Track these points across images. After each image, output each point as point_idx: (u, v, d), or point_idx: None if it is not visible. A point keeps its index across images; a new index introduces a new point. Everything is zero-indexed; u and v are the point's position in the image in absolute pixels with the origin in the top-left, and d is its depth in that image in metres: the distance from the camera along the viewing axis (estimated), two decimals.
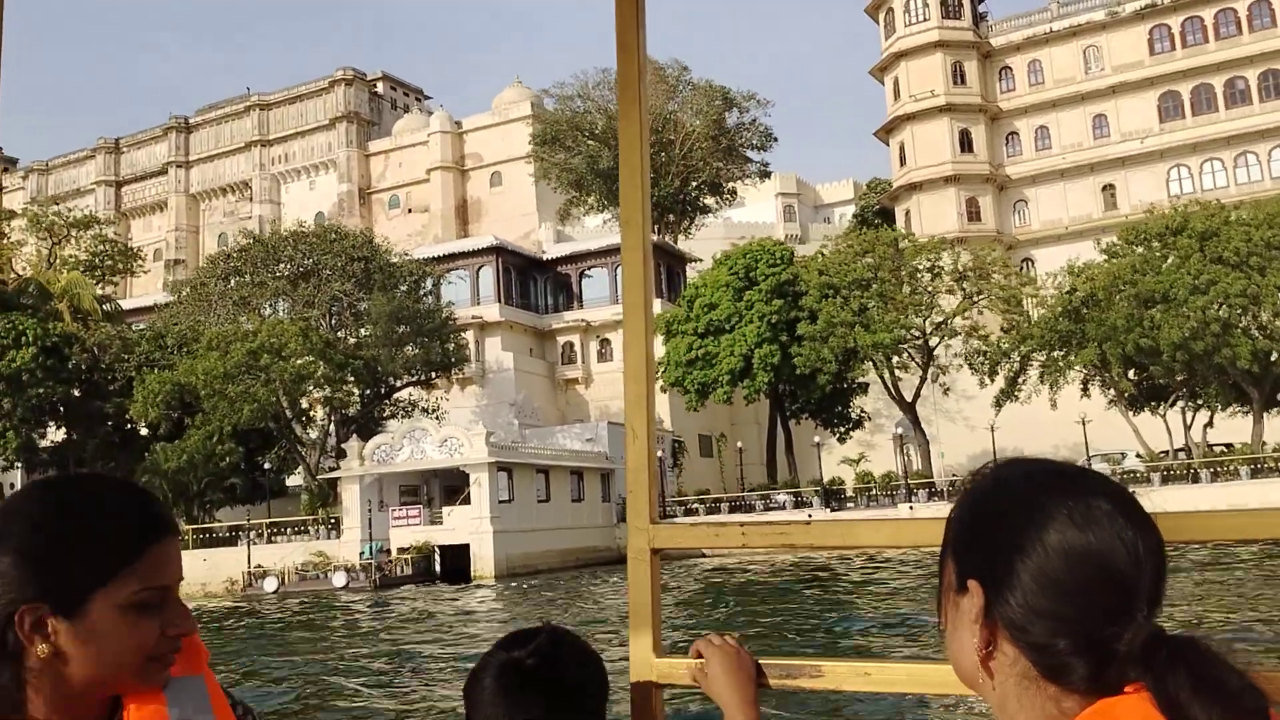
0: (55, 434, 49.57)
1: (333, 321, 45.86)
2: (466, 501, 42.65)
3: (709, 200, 70.22)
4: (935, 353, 47.53)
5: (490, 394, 57.29)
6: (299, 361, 40.87)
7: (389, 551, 42.06)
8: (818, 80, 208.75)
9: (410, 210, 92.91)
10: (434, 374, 46.96)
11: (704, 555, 49.43)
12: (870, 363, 46.19)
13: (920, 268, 46.50)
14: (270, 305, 45.73)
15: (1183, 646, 0.85)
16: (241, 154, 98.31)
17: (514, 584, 40.06)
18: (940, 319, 46.39)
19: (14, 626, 1.02)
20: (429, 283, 50.13)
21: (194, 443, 41.46)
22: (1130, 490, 0.93)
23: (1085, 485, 0.91)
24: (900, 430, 57.68)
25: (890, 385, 47.68)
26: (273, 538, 44.41)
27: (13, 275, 71.27)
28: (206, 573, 44.09)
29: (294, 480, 49.08)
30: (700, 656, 1.37)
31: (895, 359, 46.19)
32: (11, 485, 57.85)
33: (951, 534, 0.97)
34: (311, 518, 45.25)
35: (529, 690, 1.30)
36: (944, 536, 0.99)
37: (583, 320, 61.53)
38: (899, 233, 49.08)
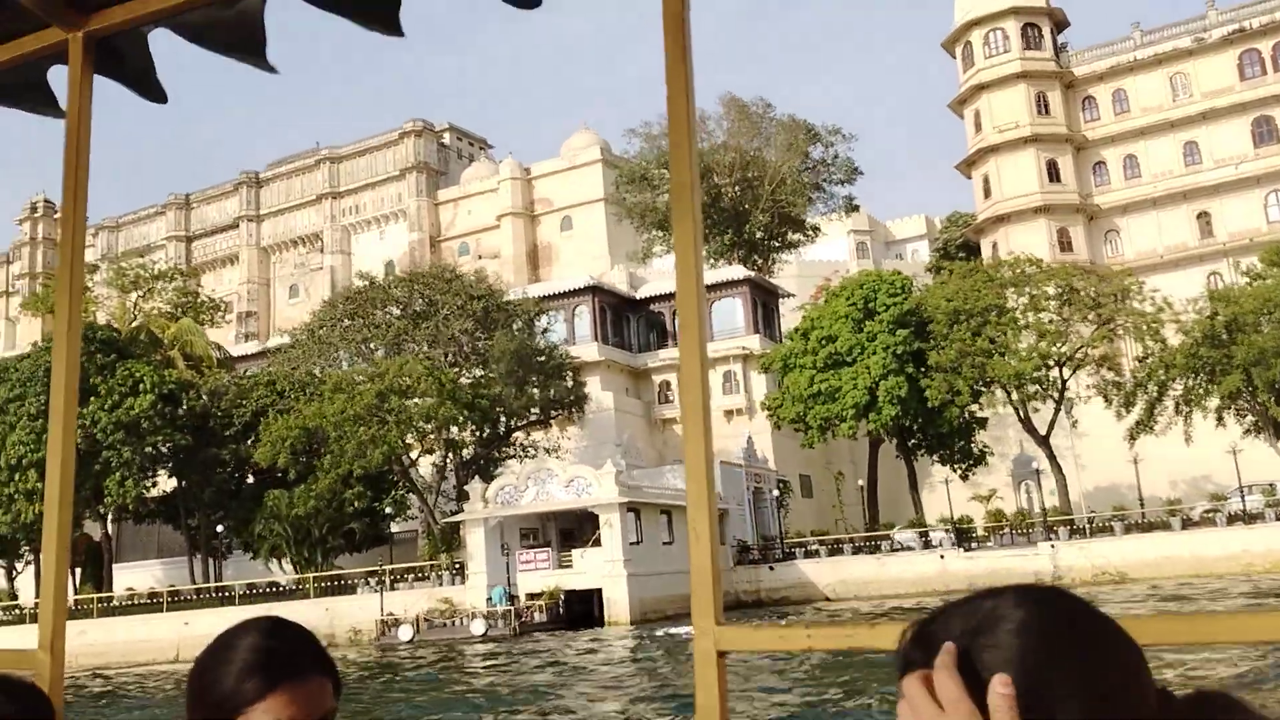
0: (165, 483, 48.97)
1: (449, 361, 45.10)
2: (596, 543, 41.44)
3: (795, 236, 69.41)
4: (1068, 384, 46.04)
5: (590, 435, 56.18)
6: (427, 402, 40.05)
7: (516, 597, 40.83)
8: (880, 116, 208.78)
9: (480, 257, 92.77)
10: (554, 414, 45.99)
11: (827, 600, 47.82)
12: (1005, 393, 44.74)
13: (1050, 294, 45.18)
14: (391, 347, 45.05)
15: (1216, 703, 0.84)
16: (312, 206, 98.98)
17: (646, 630, 38.69)
18: (1076, 347, 44.95)
19: None
20: (543, 321, 49.34)
21: (322, 487, 40.59)
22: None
23: (1089, 609, 0.88)
24: (1016, 467, 56.09)
25: (1024, 417, 46.15)
26: (394, 585, 43.29)
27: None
28: (329, 623, 42.99)
29: (399, 525, 48.11)
30: None
31: (1032, 389, 44.69)
32: (106, 536, 57.20)
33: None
34: (431, 563, 44.16)
35: None
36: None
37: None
38: (1031, 259, 47.83)
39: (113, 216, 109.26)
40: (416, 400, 40.54)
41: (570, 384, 46.63)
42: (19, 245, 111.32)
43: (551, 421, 46.84)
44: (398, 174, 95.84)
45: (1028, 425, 46.87)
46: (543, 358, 45.58)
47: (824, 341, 47.67)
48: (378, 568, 43.08)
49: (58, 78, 2.13)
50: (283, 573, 49.35)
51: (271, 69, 1.99)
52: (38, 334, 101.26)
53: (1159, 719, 0.84)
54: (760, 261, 67.04)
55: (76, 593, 51.93)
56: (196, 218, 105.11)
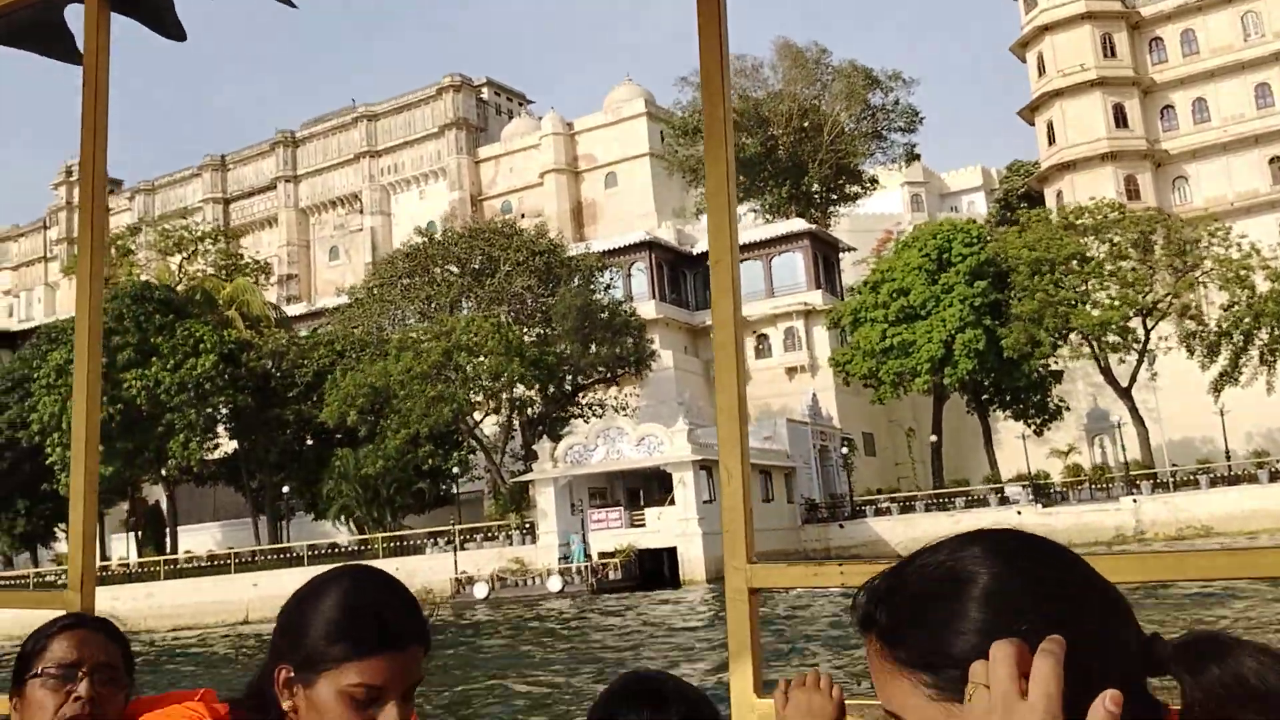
0: (225, 445, 48.37)
1: (512, 318, 43.95)
2: (667, 502, 40.48)
3: (853, 189, 67.57)
4: (1150, 334, 44.37)
5: (651, 393, 55.05)
6: (494, 360, 39.00)
7: (589, 556, 40.01)
8: (931, 64, 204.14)
9: (524, 215, 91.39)
10: (620, 372, 44.86)
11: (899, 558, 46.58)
12: (1089, 344, 43.16)
13: (1134, 240, 43.40)
14: (456, 304, 43.93)
15: (1207, 645, 0.80)
16: (350, 166, 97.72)
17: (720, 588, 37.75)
18: (1159, 297, 43.23)
19: (273, 681, 1.26)
20: (605, 277, 48.05)
21: (391, 447, 39.75)
22: None
23: (1055, 545, 0.86)
24: (1090, 421, 54.56)
25: (1105, 368, 44.59)
26: (463, 545, 42.56)
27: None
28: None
29: (460, 485, 47.29)
30: (785, 698, 1.34)
31: (1115, 340, 43.07)
32: (156, 502, 56.87)
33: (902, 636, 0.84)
34: (499, 523, 43.38)
35: None
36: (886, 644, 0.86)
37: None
38: (1113, 204, 45.97)
39: (148, 179, 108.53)
40: (483, 358, 39.48)
41: (637, 341, 45.31)
42: (55, 210, 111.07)
43: (617, 380, 45.65)
44: (437, 131, 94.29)
45: (1109, 377, 45.32)
46: (607, 314, 44.31)
47: (896, 294, 46.16)
48: (447, 527, 42.35)
49: (75, 19, 2.11)
50: (349, 533, 48.85)
51: (290, 2, 2.09)
52: (72, 297, 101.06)
53: (1146, 663, 0.81)
54: (817, 215, 65.28)
55: (139, 556, 51.71)
56: (233, 179, 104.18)
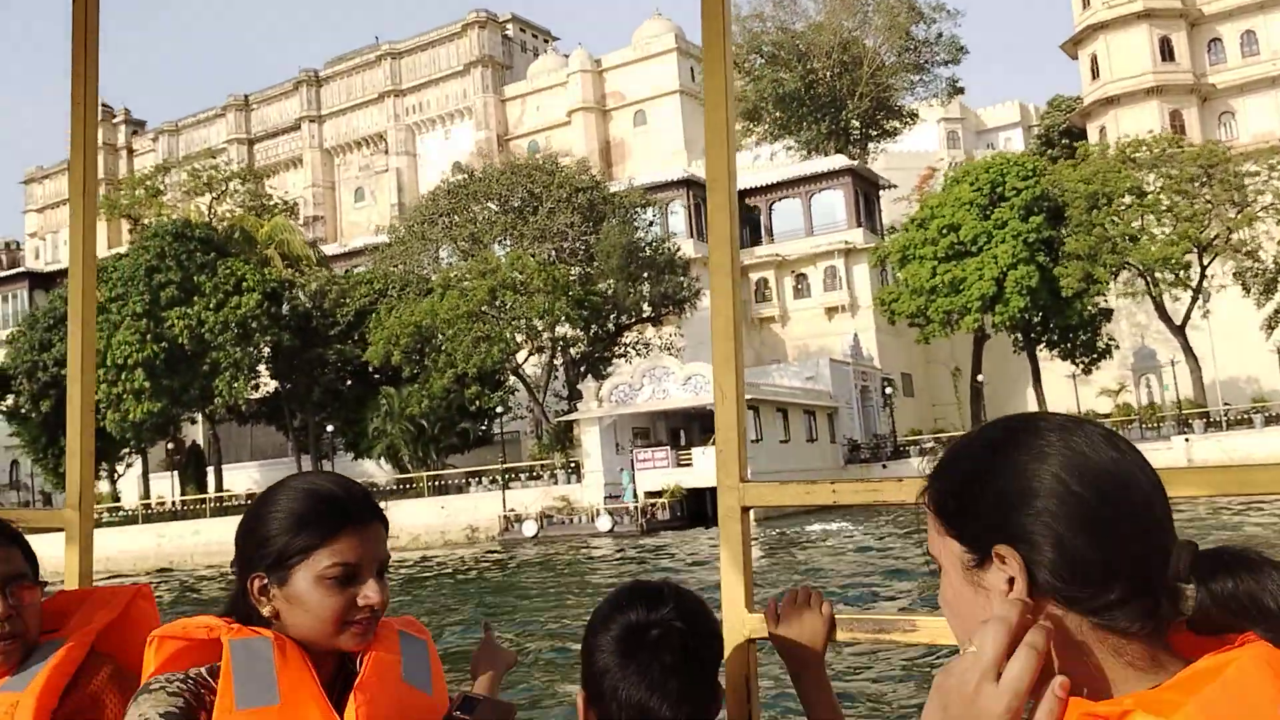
0: (266, 384, 48.21)
1: (555, 257, 43.31)
2: (709, 442, 40.15)
3: (892, 124, 66.19)
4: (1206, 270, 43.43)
5: (689, 333, 54.53)
6: (541, 298, 38.48)
7: (637, 495, 39.82)
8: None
9: (554, 155, 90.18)
10: (665, 311, 44.28)
11: None
12: (1145, 281, 42.29)
13: (1192, 174, 42.27)
14: (499, 241, 43.28)
15: (1231, 559, 0.79)
16: (374, 105, 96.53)
17: (769, 526, 37.66)
18: (1216, 233, 42.21)
19: (248, 594, 1.32)
20: (649, 214, 47.22)
21: (436, 386, 39.45)
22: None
23: (1083, 429, 0.84)
24: (1137, 360, 53.75)
25: (1159, 305, 43.75)
26: (508, 484, 42.46)
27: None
28: (445, 521, 42.43)
29: (503, 425, 47.10)
30: (777, 615, 1.41)
31: (1170, 276, 42.17)
32: (193, 441, 56.98)
33: (943, 503, 0.88)
34: (542, 462, 43.22)
35: (667, 661, 1.27)
36: (931, 508, 0.90)
37: (776, 255, 58.33)
38: (1170, 137, 44.75)
39: (171, 120, 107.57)
40: (530, 296, 38.96)
41: (682, 279, 44.64)
42: None
43: (661, 319, 45.09)
44: (462, 69, 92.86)
45: (1162, 314, 44.47)
46: (651, 252, 43.61)
47: (946, 230, 45.21)
48: (488, 466, 42.22)
49: None
50: (385, 471, 48.87)
51: None
52: (104, 241, 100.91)
53: (1177, 574, 0.80)
54: (856, 152, 64.02)
55: (181, 494, 51.96)
56: (257, 119, 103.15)
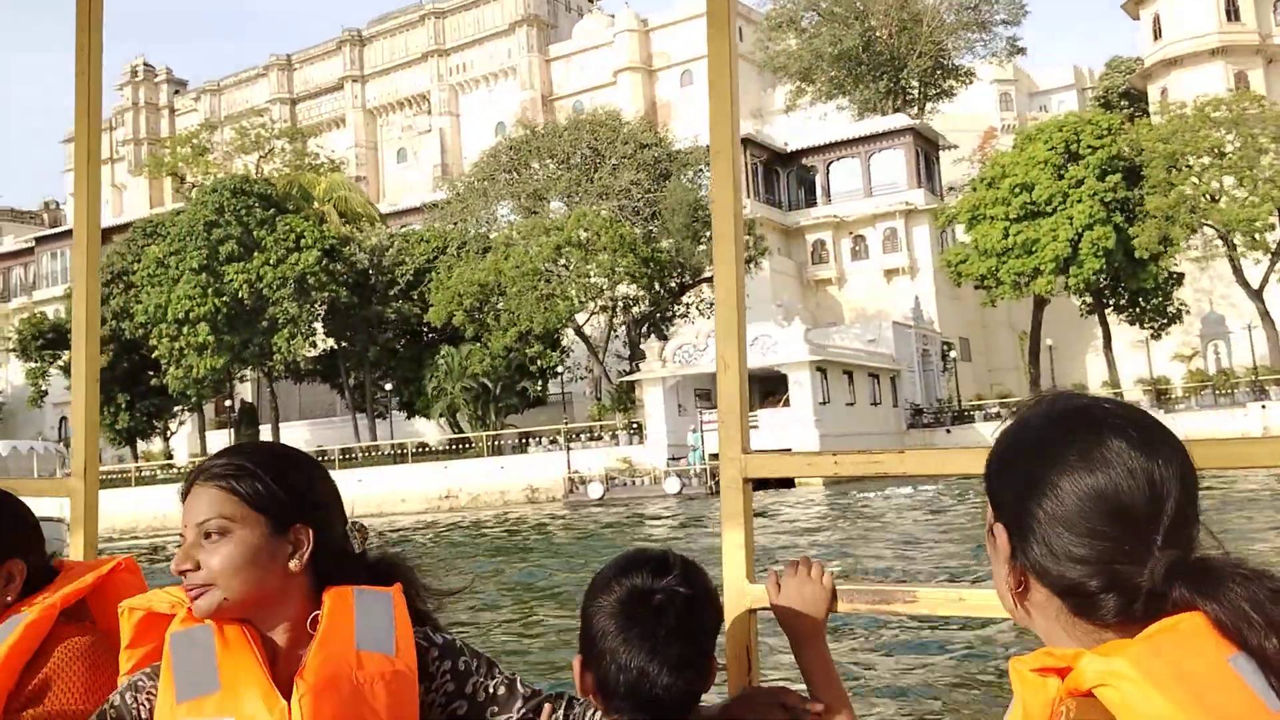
0: (321, 342, 47.90)
1: (615, 215, 42.49)
2: (784, 404, 39.49)
3: (949, 84, 64.63)
4: None
5: (751, 293, 53.69)
6: (607, 256, 37.77)
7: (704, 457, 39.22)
8: None
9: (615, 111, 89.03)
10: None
11: None
12: (1226, 243, 40.99)
13: (1273, 136, 40.78)
14: (561, 199, 42.50)
15: (1225, 574, 0.84)
16: (418, 65, 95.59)
17: (837, 490, 37.01)
18: None
19: None
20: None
21: (498, 345, 38.91)
22: (1155, 421, 0.91)
23: (1099, 423, 0.90)
24: (1205, 326, 52.39)
25: (1238, 269, 42.45)
26: (568, 444, 42.01)
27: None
28: (504, 480, 42.09)
29: (557, 385, 46.57)
30: (778, 586, 1.43)
31: (1250, 239, 40.84)
32: (243, 399, 56.89)
33: (988, 472, 0.98)
34: (602, 423, 42.72)
35: (667, 627, 1.28)
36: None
37: (833, 216, 57.23)
38: (1252, 96, 43.21)
39: (213, 79, 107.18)
40: (598, 254, 38.25)
41: (748, 238, 43.69)
42: (121, 111, 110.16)
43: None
44: (506, 28, 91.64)
45: (1240, 277, 43.16)
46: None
47: (1018, 190, 43.99)
48: (545, 427, 41.75)
49: None
50: (439, 431, 48.60)
51: None
52: (145, 200, 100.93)
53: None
54: (914, 112, 62.57)
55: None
56: (299, 79, 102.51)
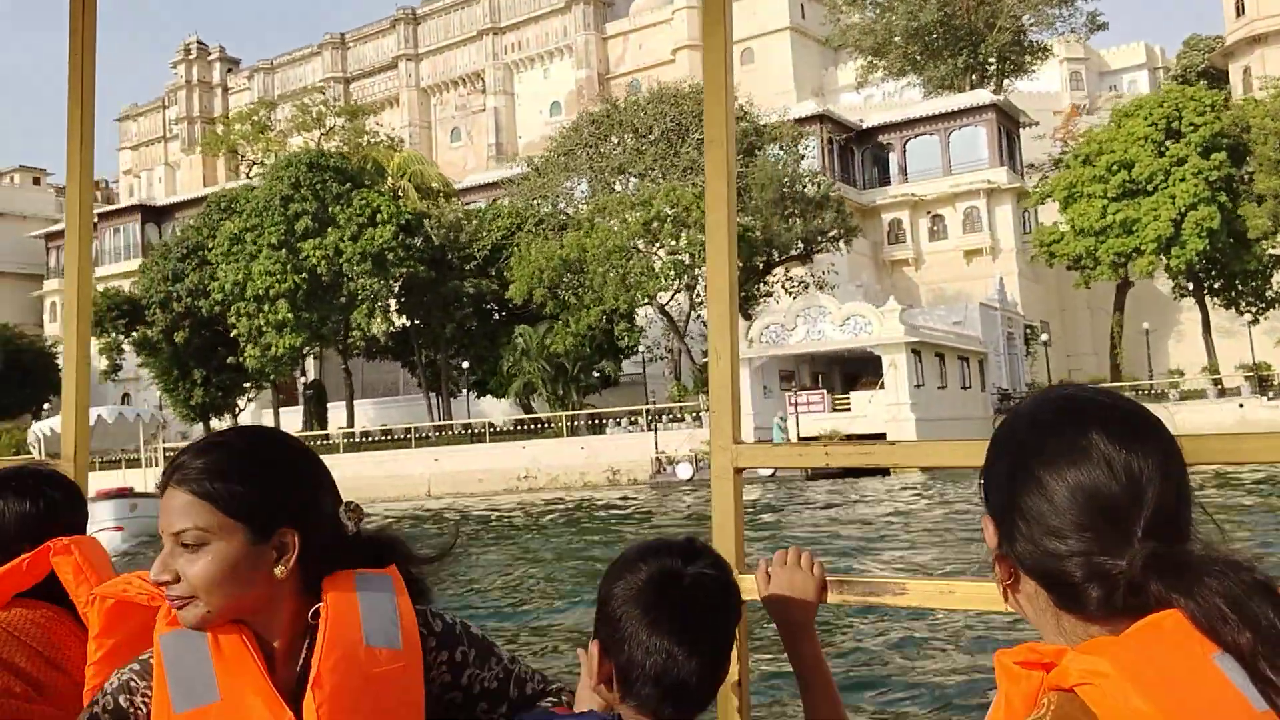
0: (395, 319, 47.21)
1: (700, 190, 41.37)
2: (880, 386, 38.33)
3: (1027, 60, 62.83)
4: None
5: (818, 276, 52.47)
6: (697, 233, 36.65)
7: (788, 439, 38.19)
8: None
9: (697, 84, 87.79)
10: (816, 248, 42.21)
11: None
12: None
13: None
14: (643, 174, 41.40)
15: (1202, 568, 0.85)
16: (473, 44, 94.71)
17: (936, 475, 35.85)
18: None
19: None
20: (800, 147, 44.97)
21: (581, 325, 38.01)
22: (1141, 412, 0.93)
23: (1081, 415, 0.91)
24: None
25: None
26: (649, 425, 41.09)
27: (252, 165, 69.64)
28: (584, 461, 41.26)
29: (631, 365, 45.61)
30: (768, 576, 1.43)
31: None
32: (346, 371, 56.37)
33: (984, 465, 1.00)
34: (684, 404, 41.73)
35: (700, 612, 1.26)
36: None
37: (911, 195, 55.76)
38: None
39: (267, 59, 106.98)
40: (686, 230, 37.18)
41: (838, 214, 42.44)
42: (174, 89, 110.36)
43: (810, 257, 43.02)
44: (562, 5, 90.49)
45: None
46: (806, 186, 41.44)
47: (1115, 168, 42.41)
48: (632, 407, 40.83)
49: None
50: (513, 410, 47.86)
51: None
52: (199, 178, 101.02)
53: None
54: (992, 88, 60.84)
55: (302, 430, 51.56)
56: (353, 58, 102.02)
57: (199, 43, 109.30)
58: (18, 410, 61.38)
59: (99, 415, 23.59)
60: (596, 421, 42.68)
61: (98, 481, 31.00)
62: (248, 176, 74.01)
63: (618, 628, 1.25)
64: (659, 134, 42.51)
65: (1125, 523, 0.86)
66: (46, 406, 62.77)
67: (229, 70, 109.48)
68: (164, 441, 27.99)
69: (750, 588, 1.45)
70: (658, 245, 37.65)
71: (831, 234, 41.31)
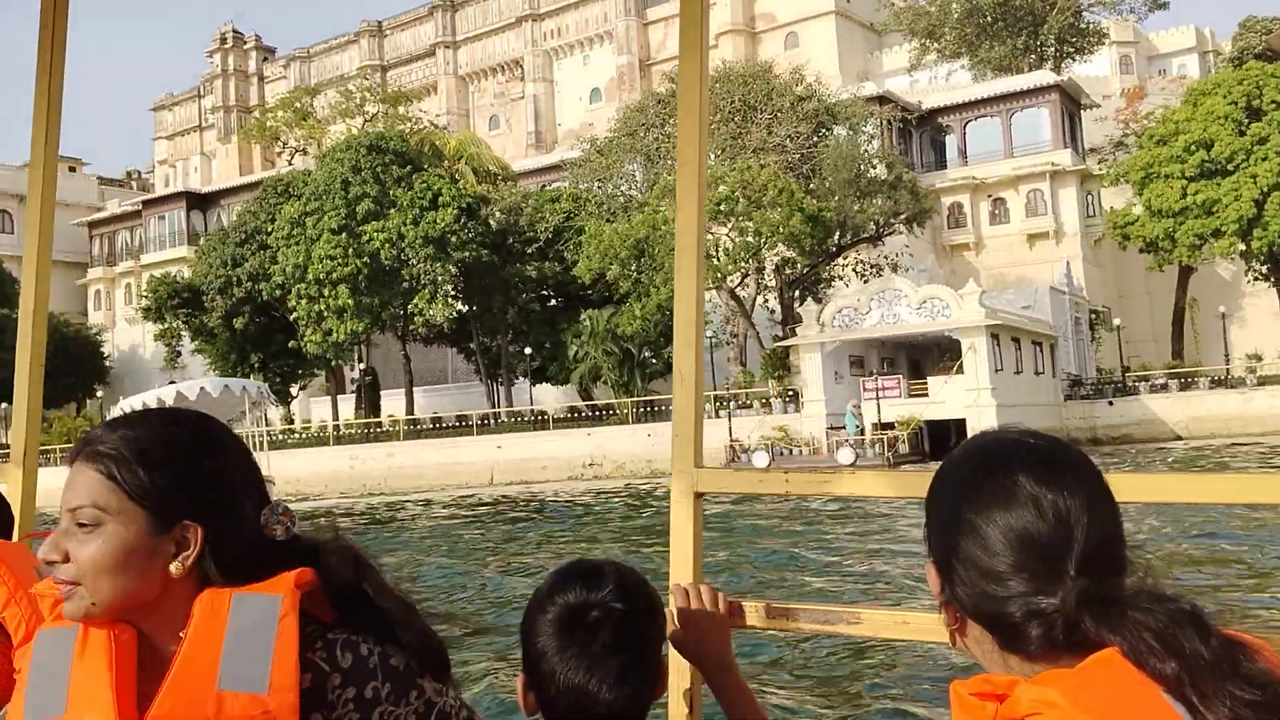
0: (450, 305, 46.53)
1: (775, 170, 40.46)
2: (958, 371, 37.41)
3: (1087, 41, 61.54)
4: None
5: (891, 258, 51.42)
6: (773, 214, 35.85)
7: (861, 428, 37.36)
8: None
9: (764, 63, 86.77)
10: (889, 230, 41.30)
11: (1178, 439, 43.03)
12: None
13: None
14: (711, 154, 40.51)
15: (1131, 603, 0.87)
16: (511, 30, 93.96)
17: None
18: None
19: None
20: (869, 126, 44.03)
21: (650, 308, 37.25)
22: (1064, 451, 0.95)
23: (1006, 459, 0.94)
24: None
25: None
26: (717, 412, 40.30)
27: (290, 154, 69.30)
28: (651, 449, 40.53)
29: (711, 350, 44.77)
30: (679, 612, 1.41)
31: None
32: (406, 357, 55.90)
33: (925, 514, 1.01)
34: (751, 390, 40.95)
35: (606, 641, 1.25)
36: None
37: (971, 178, 54.67)
38: None
39: (303, 46, 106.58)
40: (762, 210, 36.33)
41: (912, 195, 41.49)
42: (210, 78, 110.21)
43: (881, 239, 42.11)
44: None
45: None
46: (874, 167, 40.51)
47: (1194, 148, 41.29)
48: (709, 392, 39.95)
49: None
50: (563, 398, 47.21)
51: None
52: (235, 167, 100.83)
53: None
54: (1051, 69, 59.61)
55: (354, 418, 51.03)
56: (390, 46, 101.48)
57: (235, 32, 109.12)
58: (65, 399, 61.33)
59: (201, 387, 23.15)
60: (654, 409, 41.95)
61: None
62: (289, 163, 73.71)
63: (536, 665, 1.25)
64: (727, 113, 41.63)
65: (1058, 561, 0.88)
66: (99, 394, 62.71)
67: (265, 59, 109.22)
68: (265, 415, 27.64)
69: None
70: (729, 226, 36.79)
71: (905, 215, 40.35)
